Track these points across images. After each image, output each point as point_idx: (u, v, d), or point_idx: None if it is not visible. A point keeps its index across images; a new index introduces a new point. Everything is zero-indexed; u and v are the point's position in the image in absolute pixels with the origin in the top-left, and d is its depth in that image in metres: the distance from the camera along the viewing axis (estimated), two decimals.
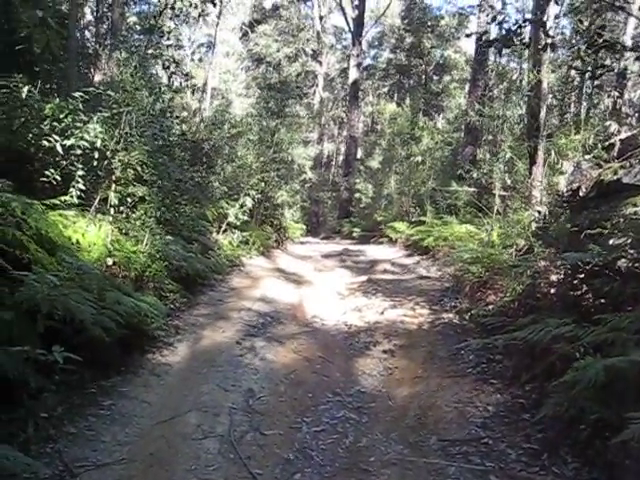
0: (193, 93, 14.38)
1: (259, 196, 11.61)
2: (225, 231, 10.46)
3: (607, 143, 6.46)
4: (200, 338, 5.93)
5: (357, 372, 5.64)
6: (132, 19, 15.15)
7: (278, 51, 26.60)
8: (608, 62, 14.05)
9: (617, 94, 17.95)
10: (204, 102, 16.52)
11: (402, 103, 30.22)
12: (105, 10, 13.90)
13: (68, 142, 5.35)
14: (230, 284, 8.93)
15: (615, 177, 5.25)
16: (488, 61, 18.76)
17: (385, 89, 33.25)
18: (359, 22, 23.61)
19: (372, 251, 16.12)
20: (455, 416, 4.42)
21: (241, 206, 10.52)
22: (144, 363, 4.93)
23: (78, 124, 5.45)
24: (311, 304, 8.54)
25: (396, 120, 21.88)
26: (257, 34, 26.23)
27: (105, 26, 14.22)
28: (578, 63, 6.98)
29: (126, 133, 5.91)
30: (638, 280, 4.28)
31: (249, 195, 10.79)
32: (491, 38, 7.18)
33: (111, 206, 5.98)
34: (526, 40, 5.69)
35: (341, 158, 33.13)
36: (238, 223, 10.54)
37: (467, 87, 25.63)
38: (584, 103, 19.95)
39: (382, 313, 7.83)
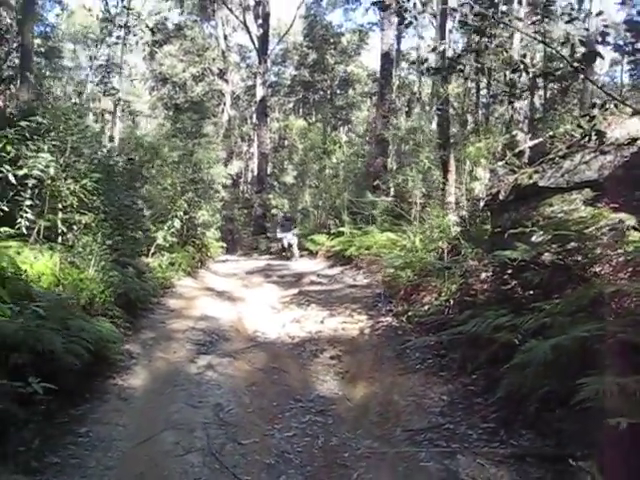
0: (116, 112, 14.06)
1: (186, 217, 11.60)
2: (154, 254, 10.38)
3: (517, 150, 7.16)
4: (155, 360, 5.96)
5: (311, 379, 5.88)
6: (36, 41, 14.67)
7: (184, 71, 26.46)
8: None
9: (508, 103, 19.51)
10: (115, 126, 16.18)
11: (308, 118, 30.99)
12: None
13: (20, 172, 5.25)
14: (167, 306, 8.90)
15: (531, 181, 5.89)
16: (393, 76, 19.73)
17: (290, 105, 33.88)
18: (264, 40, 24.02)
19: (295, 265, 16.31)
20: (414, 408, 4.80)
21: (169, 228, 10.50)
22: (108, 388, 4.93)
23: (30, 154, 5.35)
24: (250, 320, 8.67)
25: (307, 135, 22.48)
26: (162, 54, 25.95)
27: (5, 48, 13.64)
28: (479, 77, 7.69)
29: (73, 161, 5.85)
30: (562, 271, 4.88)
31: (177, 217, 10.79)
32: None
33: (58, 234, 5.89)
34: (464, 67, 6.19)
35: (250, 175, 33.32)
36: (167, 245, 10.51)
37: (373, 99, 26.79)
38: (480, 112, 21.48)
39: (322, 322, 8.11)
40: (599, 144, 4.00)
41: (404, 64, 27.69)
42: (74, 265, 5.96)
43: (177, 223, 10.66)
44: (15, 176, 5.20)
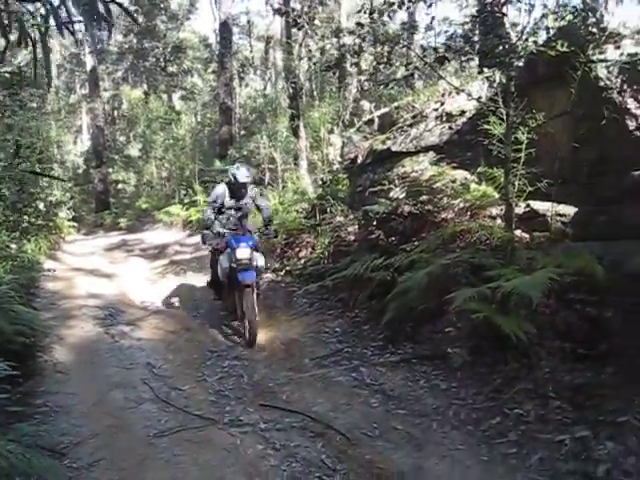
0: None
1: (51, 199, 11.34)
2: (20, 237, 10.15)
3: (367, 119, 8.34)
4: (67, 337, 6.28)
5: (215, 334, 6.63)
6: None
7: None
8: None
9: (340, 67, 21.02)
10: None
11: (139, 86, 30.09)
12: None
13: None
14: (48, 288, 8.93)
15: (385, 146, 7.08)
16: (233, 44, 20.11)
17: (119, 73, 32.49)
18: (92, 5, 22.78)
19: (151, 237, 16.39)
20: (314, 342, 5.83)
21: (34, 211, 10.30)
22: (41, 365, 5.27)
23: None
24: (132, 292, 9.02)
25: (147, 105, 22.13)
26: None
27: None
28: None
29: None
30: (418, 219, 6.14)
31: (40, 199, 10.58)
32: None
33: None
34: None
35: (79, 149, 31.74)
36: (34, 228, 10.32)
37: (211, 67, 26.88)
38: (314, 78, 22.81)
39: None
40: (446, 118, 5.25)
41: (235, 29, 27.99)
42: None
43: (41, 205, 10.48)
44: None
